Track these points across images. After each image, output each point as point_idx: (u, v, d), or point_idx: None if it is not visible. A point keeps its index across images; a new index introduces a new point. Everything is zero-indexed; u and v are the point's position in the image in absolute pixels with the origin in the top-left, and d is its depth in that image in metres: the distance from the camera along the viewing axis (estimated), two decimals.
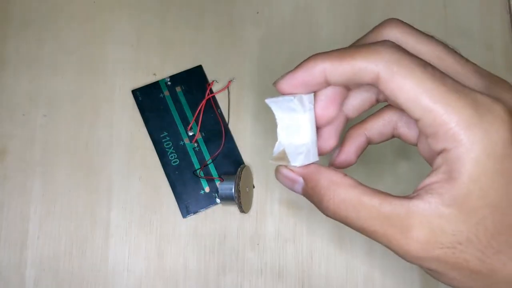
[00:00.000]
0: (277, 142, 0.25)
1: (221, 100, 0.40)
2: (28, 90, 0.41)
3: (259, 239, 0.39)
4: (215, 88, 0.41)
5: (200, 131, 0.40)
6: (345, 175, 0.23)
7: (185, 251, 0.39)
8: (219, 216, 0.39)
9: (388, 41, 0.22)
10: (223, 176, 0.38)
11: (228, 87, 0.40)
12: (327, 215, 0.23)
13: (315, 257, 0.38)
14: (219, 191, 0.37)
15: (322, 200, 0.23)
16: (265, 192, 0.39)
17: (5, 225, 0.39)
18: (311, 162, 0.24)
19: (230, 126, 0.40)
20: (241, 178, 0.36)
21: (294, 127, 0.24)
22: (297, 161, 0.24)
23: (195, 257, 0.39)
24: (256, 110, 0.40)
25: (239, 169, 0.37)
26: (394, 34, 0.23)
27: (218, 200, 0.39)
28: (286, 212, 0.39)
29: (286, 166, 0.25)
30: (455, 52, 0.23)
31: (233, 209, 0.39)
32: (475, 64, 0.23)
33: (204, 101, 0.40)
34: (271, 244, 0.39)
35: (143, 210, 0.39)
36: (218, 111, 0.40)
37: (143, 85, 0.41)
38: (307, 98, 0.24)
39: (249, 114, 0.40)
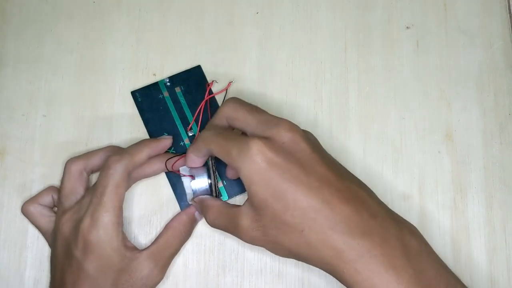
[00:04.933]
0: (189, 192, 0.38)
1: (221, 100, 0.40)
2: (28, 90, 0.41)
3: None
4: (215, 88, 0.41)
5: (200, 131, 0.40)
6: (216, 198, 0.37)
7: (185, 251, 0.39)
8: None
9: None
10: (192, 170, 0.38)
11: (227, 89, 0.40)
12: (209, 224, 0.36)
13: None
14: (195, 191, 0.37)
15: (206, 214, 0.36)
16: None
17: (5, 225, 0.39)
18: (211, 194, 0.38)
19: None
20: (214, 167, 0.37)
21: (201, 182, 0.38)
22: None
23: (195, 257, 0.39)
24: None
25: (209, 159, 0.37)
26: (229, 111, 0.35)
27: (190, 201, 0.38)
28: None
29: (193, 199, 0.38)
30: (256, 110, 0.34)
31: None
32: (265, 115, 0.34)
33: (203, 102, 0.40)
34: None
35: (142, 210, 0.39)
36: None
37: (143, 85, 0.41)
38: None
39: None
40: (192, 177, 0.37)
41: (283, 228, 0.31)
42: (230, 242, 0.39)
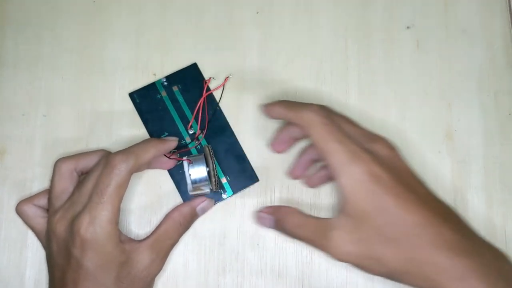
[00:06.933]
0: (189, 183, 0.38)
1: (219, 96, 0.40)
2: (28, 90, 0.41)
3: (259, 239, 0.39)
4: (212, 85, 0.41)
5: (200, 129, 0.40)
6: (295, 208, 0.36)
7: (185, 251, 0.39)
8: (219, 216, 0.39)
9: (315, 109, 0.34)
10: (190, 157, 0.38)
11: (224, 84, 0.40)
12: (287, 234, 0.35)
13: (315, 257, 0.38)
14: (194, 181, 0.37)
15: (285, 222, 0.35)
16: (265, 191, 0.39)
17: (5, 225, 0.39)
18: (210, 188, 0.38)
19: (231, 122, 0.40)
20: (211, 156, 0.37)
21: (199, 171, 0.37)
22: (207, 188, 0.38)
23: (195, 257, 0.39)
24: (256, 109, 0.40)
25: (205, 147, 0.38)
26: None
27: (208, 189, 0.38)
28: None
29: (261, 210, 0.38)
30: (353, 122, 0.35)
31: (232, 209, 0.39)
32: (363, 128, 0.35)
33: (202, 99, 0.40)
34: (271, 244, 0.39)
35: (142, 210, 0.39)
36: (218, 108, 0.40)
37: (143, 85, 0.41)
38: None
39: (250, 114, 0.40)
40: (189, 161, 0.38)
41: (385, 242, 0.31)
42: (230, 242, 0.39)
